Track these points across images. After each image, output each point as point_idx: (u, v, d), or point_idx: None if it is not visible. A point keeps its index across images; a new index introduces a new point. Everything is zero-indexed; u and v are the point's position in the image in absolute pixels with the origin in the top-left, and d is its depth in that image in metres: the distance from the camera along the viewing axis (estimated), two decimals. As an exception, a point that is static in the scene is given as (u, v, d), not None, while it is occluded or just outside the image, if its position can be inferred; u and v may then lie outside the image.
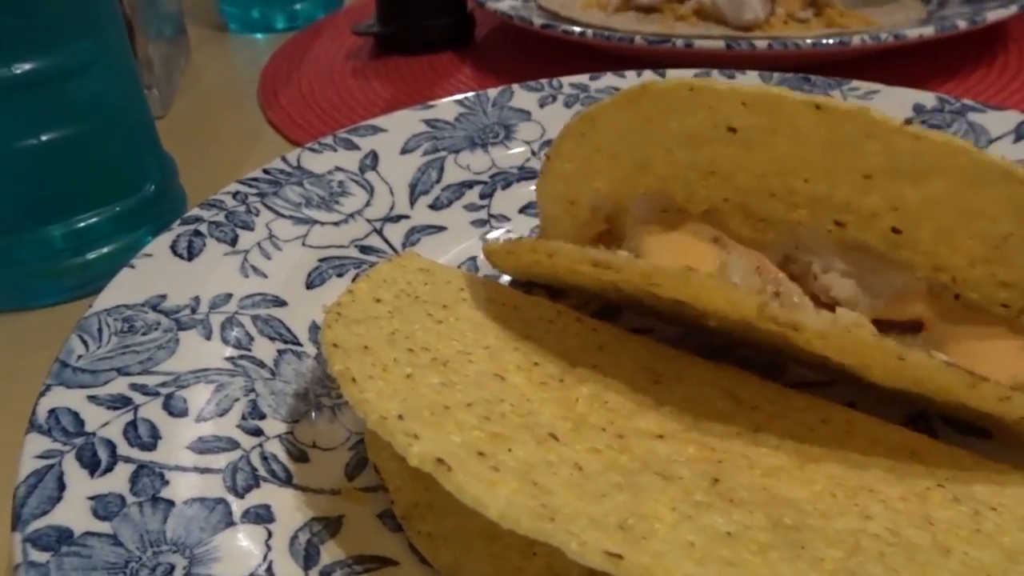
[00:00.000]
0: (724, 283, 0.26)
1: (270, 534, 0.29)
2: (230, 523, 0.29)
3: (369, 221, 0.47)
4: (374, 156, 0.51)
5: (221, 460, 0.32)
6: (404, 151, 0.51)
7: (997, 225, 0.28)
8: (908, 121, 0.27)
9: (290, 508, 0.31)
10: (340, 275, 0.44)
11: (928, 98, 0.51)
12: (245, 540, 0.29)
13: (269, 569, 0.28)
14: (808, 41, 0.62)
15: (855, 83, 0.53)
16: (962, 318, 0.30)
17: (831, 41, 0.62)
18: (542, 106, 0.56)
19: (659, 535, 0.24)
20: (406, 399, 0.28)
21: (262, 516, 0.30)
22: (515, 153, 0.53)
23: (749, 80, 0.55)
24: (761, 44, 0.63)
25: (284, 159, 0.50)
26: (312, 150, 0.51)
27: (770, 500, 0.26)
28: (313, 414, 0.36)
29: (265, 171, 0.48)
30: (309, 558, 0.29)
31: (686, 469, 0.27)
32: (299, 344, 0.39)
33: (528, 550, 0.30)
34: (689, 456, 0.28)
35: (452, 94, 0.58)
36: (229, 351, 0.37)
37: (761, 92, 0.28)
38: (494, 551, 0.30)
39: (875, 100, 0.52)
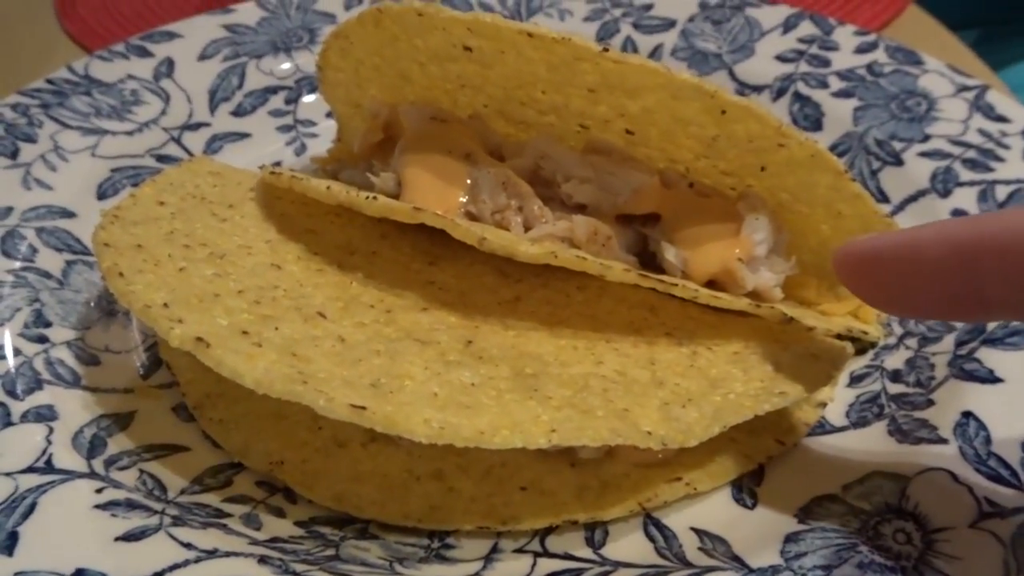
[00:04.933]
0: (447, 221, 0.29)
1: (51, 430, 0.30)
2: (8, 423, 0.30)
3: (166, 130, 0.46)
4: (169, 63, 0.49)
5: (-1, 367, 0.32)
6: (202, 57, 0.50)
7: (705, 129, 0.31)
8: (605, 49, 0.29)
9: (76, 407, 0.32)
10: (135, 184, 0.43)
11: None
12: (25, 437, 0.29)
13: (48, 461, 0.29)
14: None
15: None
16: (693, 206, 0.33)
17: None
18: (348, 8, 0.55)
19: (407, 390, 0.26)
20: (175, 289, 0.29)
21: (44, 415, 0.31)
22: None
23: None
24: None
25: (70, 68, 0.47)
26: (102, 58, 0.49)
27: (517, 355, 0.29)
28: (106, 321, 0.36)
29: (49, 81, 0.46)
30: (93, 449, 0.30)
31: (445, 335, 0.29)
32: (90, 255, 0.39)
33: (314, 424, 0.32)
34: (450, 324, 0.30)
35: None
36: (12, 264, 0.37)
37: (480, 20, 0.30)
38: (282, 429, 0.32)
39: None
